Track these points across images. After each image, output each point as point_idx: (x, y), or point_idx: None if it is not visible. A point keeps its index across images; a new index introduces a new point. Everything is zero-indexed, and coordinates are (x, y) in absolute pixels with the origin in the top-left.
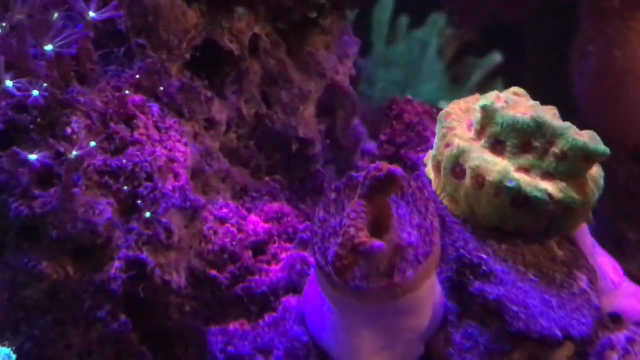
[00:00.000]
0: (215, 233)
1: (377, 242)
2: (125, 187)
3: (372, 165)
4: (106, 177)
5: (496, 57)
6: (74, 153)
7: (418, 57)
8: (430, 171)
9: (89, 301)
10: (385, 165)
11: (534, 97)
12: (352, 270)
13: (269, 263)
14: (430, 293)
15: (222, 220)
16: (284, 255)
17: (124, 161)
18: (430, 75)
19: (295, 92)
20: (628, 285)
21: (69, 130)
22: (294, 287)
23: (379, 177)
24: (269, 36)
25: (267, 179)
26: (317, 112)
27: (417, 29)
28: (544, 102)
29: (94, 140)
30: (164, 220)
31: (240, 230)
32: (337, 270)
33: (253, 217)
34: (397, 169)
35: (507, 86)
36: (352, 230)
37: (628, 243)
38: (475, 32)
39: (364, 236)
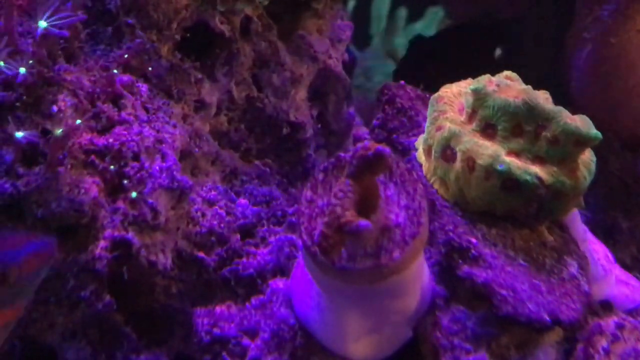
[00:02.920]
0: (203, 215)
1: (363, 221)
2: (112, 167)
3: (360, 145)
4: (92, 156)
5: (495, 51)
6: (59, 130)
7: None
8: (421, 155)
9: (73, 281)
10: (373, 145)
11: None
12: (338, 250)
13: (257, 246)
14: (417, 275)
15: (211, 203)
16: (272, 239)
17: (111, 140)
18: None
19: (286, 75)
20: (619, 272)
21: (54, 108)
22: (281, 270)
23: (367, 156)
24: (260, 18)
25: (257, 162)
26: (308, 96)
27: (416, 22)
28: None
29: (80, 119)
30: (150, 200)
31: (228, 213)
32: (323, 250)
33: (242, 200)
34: (385, 148)
35: None
36: (339, 209)
37: (621, 231)
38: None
39: (350, 215)
